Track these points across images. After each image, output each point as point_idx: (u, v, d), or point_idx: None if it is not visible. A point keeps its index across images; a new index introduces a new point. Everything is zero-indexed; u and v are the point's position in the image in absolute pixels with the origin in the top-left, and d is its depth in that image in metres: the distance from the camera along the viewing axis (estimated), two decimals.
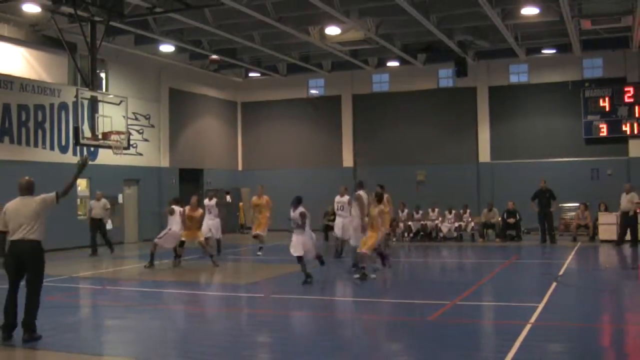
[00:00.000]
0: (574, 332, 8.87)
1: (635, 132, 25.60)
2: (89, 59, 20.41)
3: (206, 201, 18.95)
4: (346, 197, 16.98)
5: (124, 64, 24.74)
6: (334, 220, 25.07)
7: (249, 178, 31.27)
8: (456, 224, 23.77)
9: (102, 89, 22.89)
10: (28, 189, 8.77)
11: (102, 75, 23.73)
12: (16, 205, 8.63)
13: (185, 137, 28.26)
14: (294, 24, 21.28)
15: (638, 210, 21.26)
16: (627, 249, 19.58)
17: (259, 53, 26.11)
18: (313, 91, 31.32)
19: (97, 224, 20.24)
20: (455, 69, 26.20)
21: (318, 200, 28.12)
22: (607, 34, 23.40)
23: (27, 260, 8.41)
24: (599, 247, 20.45)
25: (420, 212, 24.42)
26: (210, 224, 18.36)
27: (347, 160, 30.05)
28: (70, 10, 18.75)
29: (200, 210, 16.95)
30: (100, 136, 20.09)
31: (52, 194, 8.71)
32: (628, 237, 20.26)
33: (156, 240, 16.31)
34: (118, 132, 20.42)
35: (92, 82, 20.18)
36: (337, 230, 17.28)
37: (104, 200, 20.57)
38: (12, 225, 8.48)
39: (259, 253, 19.34)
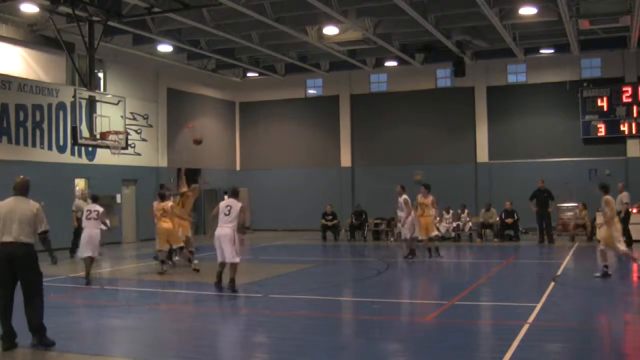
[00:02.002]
0: (571, 332, 8.88)
1: (633, 132, 25.64)
2: (87, 58, 20.42)
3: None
4: (403, 197, 17.42)
5: (122, 64, 24.72)
6: (331, 220, 25.29)
7: (247, 178, 31.31)
8: (454, 224, 23.79)
9: (100, 89, 22.87)
10: (24, 189, 8.23)
11: (100, 75, 23.71)
12: (11, 205, 8.05)
13: (183, 137, 28.23)
14: (292, 24, 21.28)
15: (634, 211, 21.27)
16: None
17: (257, 53, 26.12)
18: (311, 91, 31.32)
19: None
20: (453, 69, 26.24)
21: (316, 200, 28.32)
22: (605, 34, 23.43)
23: (21, 264, 7.85)
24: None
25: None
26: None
27: (345, 160, 30.06)
28: (68, 10, 18.75)
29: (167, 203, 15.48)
30: (98, 136, 20.08)
31: (45, 227, 8.15)
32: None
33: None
34: (116, 132, 20.40)
35: (90, 82, 20.18)
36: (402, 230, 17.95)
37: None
38: (4, 226, 7.88)
39: (195, 265, 15.41)
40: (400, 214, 17.74)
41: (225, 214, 12.38)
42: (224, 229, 12.29)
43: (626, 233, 19.77)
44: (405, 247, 18.00)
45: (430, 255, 17.49)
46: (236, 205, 12.41)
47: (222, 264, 12.49)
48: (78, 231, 19.02)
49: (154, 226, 15.94)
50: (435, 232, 18.17)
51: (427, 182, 27.59)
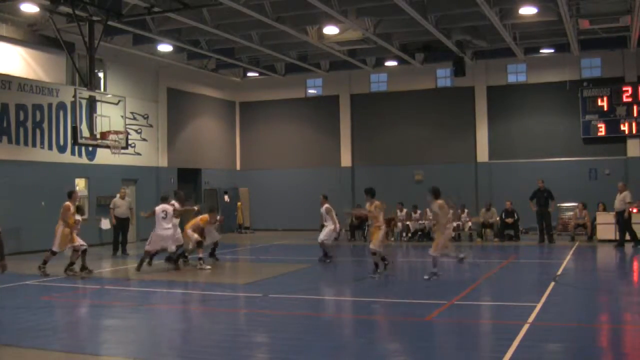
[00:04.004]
0: (571, 332, 8.88)
1: (634, 131, 25.64)
2: (87, 58, 20.42)
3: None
4: (325, 206, 17.28)
5: (122, 63, 24.73)
6: None
7: (247, 178, 31.33)
8: (454, 224, 23.73)
9: (100, 89, 22.87)
10: None
11: (100, 75, 23.71)
12: None
13: (183, 137, 28.26)
14: (292, 24, 21.28)
15: (634, 210, 21.26)
16: (625, 250, 19.54)
17: (257, 53, 26.12)
18: (311, 91, 31.32)
19: (122, 224, 20.02)
20: (454, 69, 26.25)
21: (317, 200, 28.24)
22: (605, 33, 23.43)
23: None
24: (597, 247, 20.45)
25: (419, 212, 24.43)
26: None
27: (345, 160, 30.07)
28: (69, 10, 18.76)
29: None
30: (98, 136, 20.08)
31: None
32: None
33: (147, 247, 15.91)
34: (116, 132, 20.41)
35: (90, 82, 20.18)
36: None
37: (128, 199, 20.58)
38: None
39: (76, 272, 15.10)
40: (326, 224, 17.32)
41: (163, 217, 15.25)
42: (167, 231, 15.36)
43: (631, 232, 19.81)
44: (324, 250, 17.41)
45: (375, 270, 14.31)
46: (169, 208, 15.44)
47: (154, 254, 15.85)
48: (117, 228, 19.66)
49: (153, 226, 15.99)
50: (377, 248, 14.28)
51: (427, 181, 27.85)
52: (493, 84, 27.97)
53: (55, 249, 14.72)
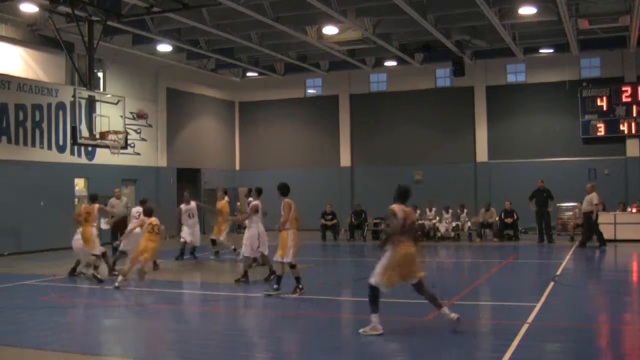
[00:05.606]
0: (571, 331, 8.88)
1: (633, 131, 25.65)
2: (86, 58, 20.41)
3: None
4: (193, 204, 16.55)
5: (122, 63, 24.72)
6: (331, 219, 25.26)
7: (246, 178, 31.27)
8: (453, 224, 23.79)
9: (99, 89, 22.86)
10: None
11: (100, 75, 23.71)
12: None
13: (182, 137, 28.25)
14: (292, 24, 21.28)
15: (633, 211, 21.28)
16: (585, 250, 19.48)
17: (256, 53, 26.10)
18: (311, 91, 31.32)
19: (119, 224, 19.97)
20: (453, 69, 26.22)
21: (315, 200, 28.29)
22: (604, 33, 23.44)
23: None
24: (596, 247, 20.44)
25: (418, 211, 24.41)
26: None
27: (345, 160, 30.07)
28: (68, 10, 18.74)
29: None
30: (97, 136, 20.07)
31: None
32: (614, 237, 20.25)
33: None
34: (116, 132, 20.40)
35: (90, 82, 20.17)
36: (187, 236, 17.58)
37: (125, 199, 20.52)
38: None
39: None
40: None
41: (136, 218, 15.46)
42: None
43: (598, 234, 19.80)
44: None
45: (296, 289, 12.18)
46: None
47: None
48: (114, 230, 19.64)
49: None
50: (288, 260, 12.60)
51: (427, 181, 27.86)
52: (492, 84, 27.98)
53: (96, 252, 14.30)
